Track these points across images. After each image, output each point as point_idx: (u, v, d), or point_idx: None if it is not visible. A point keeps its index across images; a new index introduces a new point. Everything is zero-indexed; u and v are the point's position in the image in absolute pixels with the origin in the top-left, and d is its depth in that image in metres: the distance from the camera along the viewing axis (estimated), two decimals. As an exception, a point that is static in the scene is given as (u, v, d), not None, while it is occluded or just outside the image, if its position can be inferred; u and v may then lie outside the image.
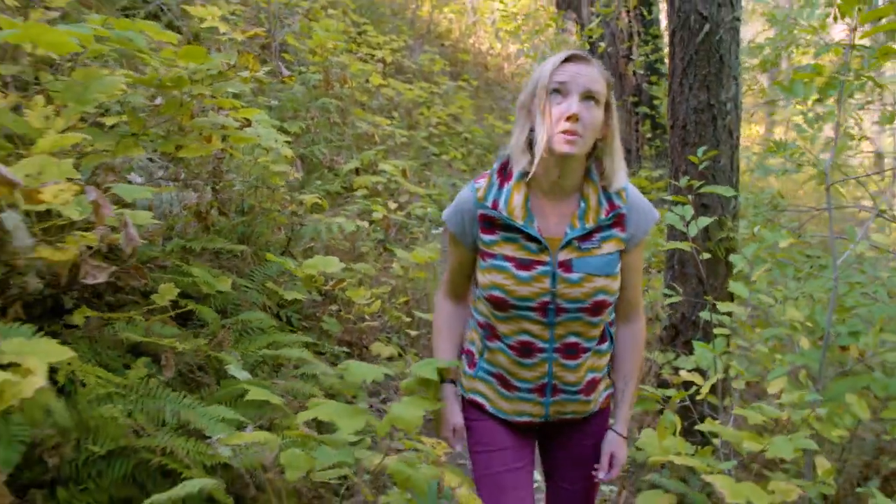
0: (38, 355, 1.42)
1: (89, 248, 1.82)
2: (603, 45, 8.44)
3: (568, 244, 1.78)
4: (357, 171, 6.04)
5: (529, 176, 1.78)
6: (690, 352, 3.47)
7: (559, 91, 1.71)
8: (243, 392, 2.50)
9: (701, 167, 3.38)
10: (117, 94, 2.22)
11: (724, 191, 3.02)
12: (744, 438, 2.48)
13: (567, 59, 1.73)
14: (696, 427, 2.69)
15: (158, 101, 2.64)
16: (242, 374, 2.54)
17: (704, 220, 2.87)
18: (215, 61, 2.66)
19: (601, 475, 2.00)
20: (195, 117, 2.96)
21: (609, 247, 1.80)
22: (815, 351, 2.97)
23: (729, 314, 3.12)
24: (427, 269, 5.07)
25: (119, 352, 2.42)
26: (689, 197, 3.56)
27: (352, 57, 8.18)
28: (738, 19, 3.74)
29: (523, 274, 1.78)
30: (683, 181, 3.05)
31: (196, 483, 1.64)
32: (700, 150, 3.25)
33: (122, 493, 2.04)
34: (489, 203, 1.81)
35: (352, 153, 6.46)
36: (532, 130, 1.76)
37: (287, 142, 3.73)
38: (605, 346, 1.94)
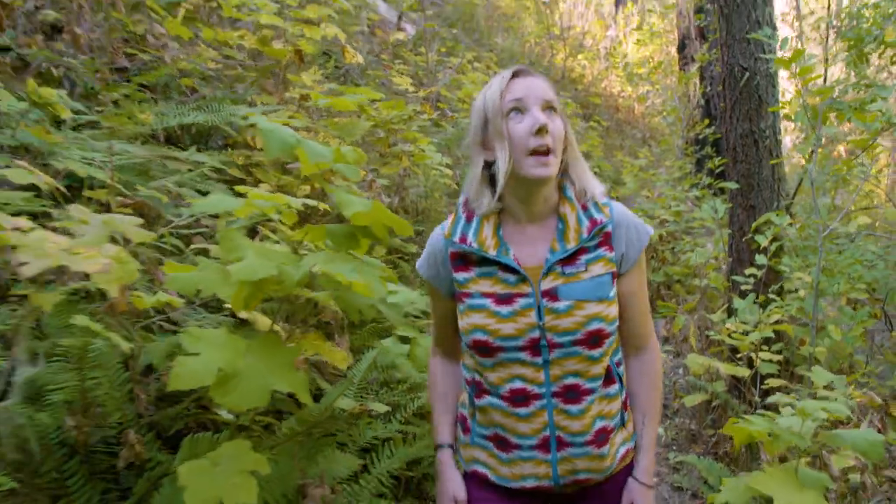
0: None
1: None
2: (700, 86, 9.96)
3: (550, 270, 1.67)
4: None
5: (492, 208, 1.73)
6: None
7: (517, 109, 1.64)
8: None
9: (714, 169, 4.93)
10: (364, 132, 4.08)
11: (731, 184, 4.57)
12: (736, 338, 4.02)
13: (514, 75, 1.67)
14: (709, 335, 4.23)
15: (381, 134, 4.50)
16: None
17: (722, 206, 4.42)
18: (408, 108, 4.52)
19: None
20: (391, 146, 4.84)
21: (597, 269, 1.68)
22: (811, 297, 4.43)
23: (753, 275, 4.62)
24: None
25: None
26: (740, 199, 5.14)
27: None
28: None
29: (504, 310, 1.67)
30: (706, 180, 4.60)
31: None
32: (714, 162, 4.82)
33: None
34: (457, 238, 1.72)
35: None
36: (489, 165, 1.71)
37: (448, 165, 5.57)
38: (613, 389, 1.75)
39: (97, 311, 2.01)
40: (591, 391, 1.69)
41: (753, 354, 4.12)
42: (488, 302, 1.69)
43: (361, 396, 3.00)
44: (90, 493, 2.04)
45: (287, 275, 1.82)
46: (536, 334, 1.65)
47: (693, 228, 7.30)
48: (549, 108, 1.65)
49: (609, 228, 1.71)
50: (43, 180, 2.10)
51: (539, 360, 1.67)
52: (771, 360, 4.03)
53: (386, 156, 4.91)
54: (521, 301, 1.66)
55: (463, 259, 1.74)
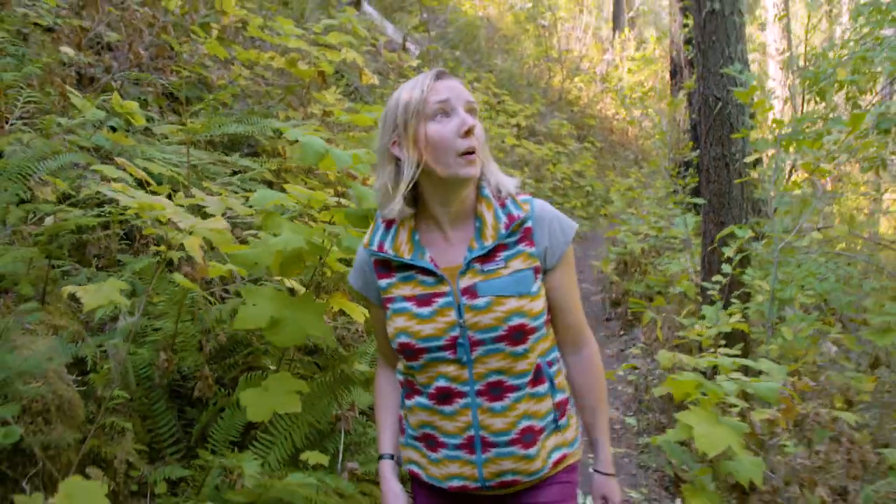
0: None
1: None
2: (687, 111, 10.68)
3: (469, 268, 1.69)
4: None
5: (405, 213, 1.73)
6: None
7: (443, 111, 1.65)
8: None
9: (685, 186, 5.58)
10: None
11: (699, 200, 5.20)
12: (700, 333, 4.63)
13: (438, 77, 1.69)
14: (679, 335, 4.84)
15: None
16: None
17: (691, 219, 5.04)
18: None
19: None
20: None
21: (517, 264, 1.70)
22: (767, 301, 5.05)
23: (719, 282, 5.25)
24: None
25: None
26: (711, 215, 5.78)
27: (491, 122, 10.69)
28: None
29: (424, 311, 1.69)
30: (680, 196, 5.23)
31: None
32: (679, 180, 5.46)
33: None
34: (375, 247, 1.74)
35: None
36: (416, 167, 1.67)
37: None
38: (541, 388, 1.75)
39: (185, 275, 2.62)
40: (515, 388, 1.70)
41: (714, 350, 4.73)
42: (409, 305, 1.71)
43: (372, 365, 3.61)
44: (168, 417, 2.65)
45: (311, 244, 2.43)
46: (456, 333, 1.67)
47: (674, 243, 7.95)
48: (471, 109, 1.68)
49: (529, 224, 1.72)
50: (138, 175, 2.71)
51: (462, 358, 1.68)
52: (728, 354, 4.64)
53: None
54: (441, 301, 1.68)
55: (385, 266, 1.76)
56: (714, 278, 5.29)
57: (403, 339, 1.70)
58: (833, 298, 5.41)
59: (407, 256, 1.70)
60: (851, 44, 6.72)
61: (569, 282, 1.79)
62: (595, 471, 1.85)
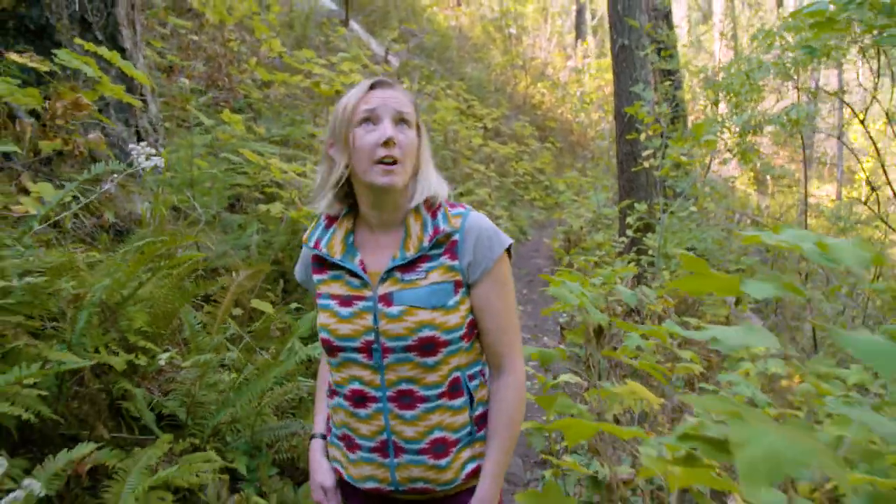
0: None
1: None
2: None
3: (389, 276, 1.74)
4: (461, 195, 10.77)
5: (334, 210, 1.84)
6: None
7: (369, 119, 1.70)
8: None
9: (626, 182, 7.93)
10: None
11: (604, 191, 7.51)
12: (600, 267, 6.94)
13: (372, 87, 1.75)
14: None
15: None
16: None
17: (603, 197, 7.34)
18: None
19: None
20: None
21: (436, 276, 1.73)
22: (656, 255, 7.37)
23: (622, 242, 7.54)
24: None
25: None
26: (625, 196, 8.11)
27: (461, 125, 12.96)
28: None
29: (345, 311, 1.76)
30: (604, 194, 7.51)
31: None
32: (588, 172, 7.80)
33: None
34: (312, 243, 1.84)
35: (458, 185, 11.25)
36: (345, 168, 1.75)
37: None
38: (458, 401, 1.78)
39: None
40: (425, 399, 1.74)
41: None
42: (333, 303, 1.79)
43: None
44: (277, 287, 4.87)
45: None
46: (371, 337, 1.73)
47: (607, 221, 10.30)
48: (401, 120, 1.72)
49: (456, 237, 1.74)
50: (254, 158, 4.93)
51: (373, 362, 1.74)
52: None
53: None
54: (360, 304, 1.74)
55: (320, 262, 1.85)
56: (620, 239, 7.62)
57: (324, 335, 1.79)
58: (709, 254, 7.77)
59: (338, 256, 1.79)
60: (747, 63, 9.08)
61: (494, 302, 1.79)
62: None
